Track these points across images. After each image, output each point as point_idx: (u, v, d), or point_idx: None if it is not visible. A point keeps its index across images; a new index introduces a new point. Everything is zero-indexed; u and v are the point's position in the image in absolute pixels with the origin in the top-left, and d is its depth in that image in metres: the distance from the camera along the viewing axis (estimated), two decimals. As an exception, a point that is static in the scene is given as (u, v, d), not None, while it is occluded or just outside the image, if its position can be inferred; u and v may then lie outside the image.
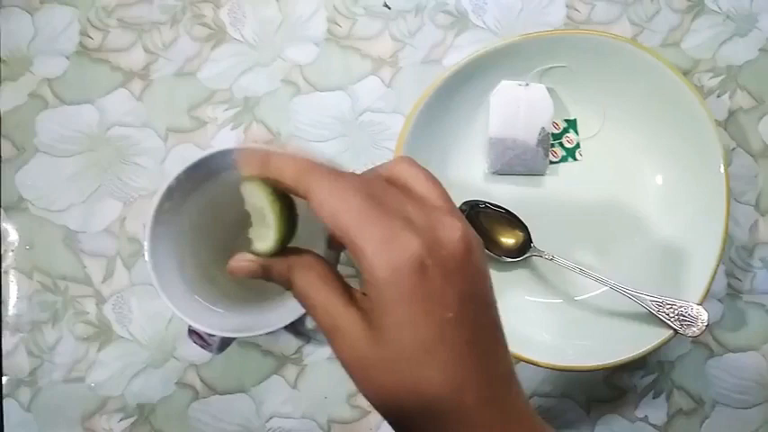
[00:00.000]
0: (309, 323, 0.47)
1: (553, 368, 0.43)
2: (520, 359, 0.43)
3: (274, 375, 0.47)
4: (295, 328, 0.47)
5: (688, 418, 0.48)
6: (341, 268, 0.30)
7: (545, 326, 0.45)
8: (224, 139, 0.48)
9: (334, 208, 0.23)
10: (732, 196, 0.47)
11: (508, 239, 0.46)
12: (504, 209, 0.46)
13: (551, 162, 0.48)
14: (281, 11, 0.49)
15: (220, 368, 0.47)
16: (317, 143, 0.49)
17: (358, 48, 0.49)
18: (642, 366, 0.48)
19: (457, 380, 0.24)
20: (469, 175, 0.48)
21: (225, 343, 0.41)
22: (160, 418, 0.47)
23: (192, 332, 0.40)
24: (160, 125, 0.48)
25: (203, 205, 0.39)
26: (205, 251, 0.40)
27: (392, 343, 0.23)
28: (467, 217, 0.45)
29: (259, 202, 0.26)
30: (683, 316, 0.42)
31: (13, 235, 0.47)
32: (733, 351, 0.49)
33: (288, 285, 0.27)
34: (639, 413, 0.48)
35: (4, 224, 0.47)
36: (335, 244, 0.31)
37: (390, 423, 0.25)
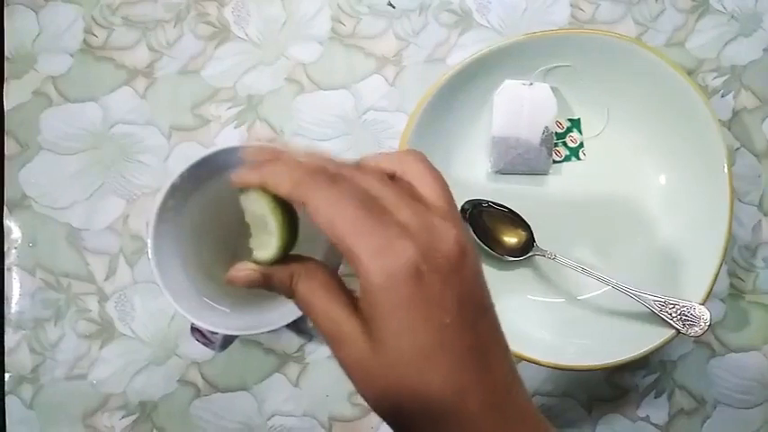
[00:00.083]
0: (311, 322, 0.47)
1: (555, 367, 0.43)
2: (522, 358, 0.43)
3: (276, 373, 0.47)
4: (297, 326, 0.47)
5: (689, 418, 0.48)
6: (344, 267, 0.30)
7: (547, 325, 0.45)
8: (227, 138, 0.48)
9: (330, 216, 0.24)
10: (735, 196, 0.47)
11: (511, 238, 0.46)
12: (506, 208, 0.46)
13: (554, 161, 0.48)
14: (286, 9, 0.49)
15: (222, 366, 0.47)
16: (320, 141, 0.49)
17: (362, 46, 0.49)
18: (644, 366, 0.48)
19: (458, 385, 0.24)
20: (473, 174, 0.48)
21: (227, 341, 0.41)
22: (162, 415, 0.47)
23: (195, 330, 0.40)
24: (164, 123, 0.48)
25: (206, 203, 0.40)
26: (208, 249, 0.40)
27: (392, 350, 0.24)
28: (470, 216, 0.46)
29: (260, 209, 0.26)
30: (686, 316, 0.42)
31: (16, 232, 0.47)
32: (735, 351, 0.49)
33: (289, 294, 0.27)
34: (641, 413, 0.48)
35: (7, 221, 0.47)
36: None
37: (391, 426, 0.25)
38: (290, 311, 0.37)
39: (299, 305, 0.27)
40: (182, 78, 0.49)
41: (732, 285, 0.49)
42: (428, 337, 0.23)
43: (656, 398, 0.48)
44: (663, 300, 0.43)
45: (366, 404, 0.25)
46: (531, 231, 0.46)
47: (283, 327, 0.37)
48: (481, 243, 0.46)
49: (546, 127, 0.47)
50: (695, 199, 0.45)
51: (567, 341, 0.45)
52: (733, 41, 0.50)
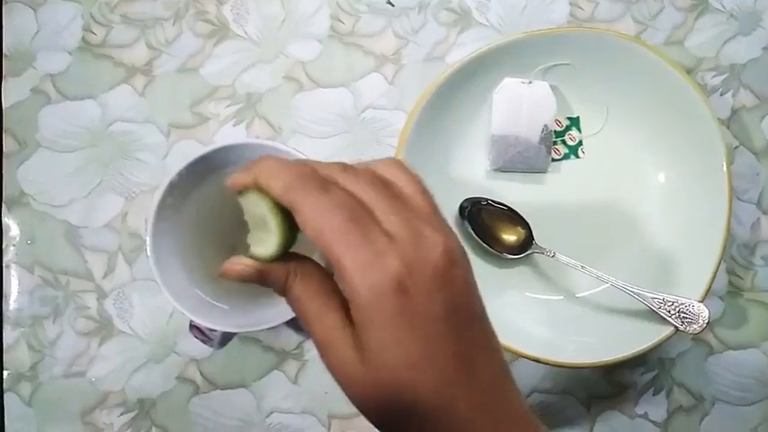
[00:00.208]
0: (301, 322, 0.47)
1: (554, 364, 0.43)
2: (520, 355, 0.43)
3: (275, 371, 0.47)
4: (296, 323, 0.47)
5: (688, 415, 0.48)
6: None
7: (546, 322, 0.45)
8: (226, 135, 0.48)
9: (318, 226, 0.24)
10: (734, 194, 0.47)
11: (510, 236, 0.46)
12: (506, 206, 0.46)
13: (554, 159, 0.48)
14: (285, 7, 0.49)
15: (221, 363, 0.47)
16: (319, 140, 0.49)
17: (361, 45, 0.49)
18: (642, 363, 0.48)
19: (446, 393, 0.24)
20: (472, 172, 0.48)
21: (226, 338, 0.41)
22: (161, 412, 0.47)
23: (194, 327, 0.40)
24: (162, 121, 0.48)
25: (205, 201, 0.40)
26: (206, 246, 0.40)
27: (378, 362, 0.24)
28: (469, 214, 0.46)
29: (259, 210, 0.26)
30: (684, 313, 0.42)
31: (14, 230, 0.47)
32: (733, 348, 0.49)
33: (283, 292, 0.27)
34: (639, 410, 0.48)
35: (5, 219, 0.47)
36: None
37: (379, 429, 0.26)
38: (288, 309, 0.36)
39: (292, 305, 0.27)
40: (180, 76, 0.49)
41: (731, 283, 0.49)
42: (414, 348, 0.24)
43: (654, 395, 0.48)
44: (661, 297, 0.43)
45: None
46: (530, 229, 0.46)
47: (282, 324, 0.37)
48: (480, 241, 0.46)
49: (545, 125, 0.47)
50: (694, 197, 0.46)
51: (565, 338, 0.45)
52: (732, 40, 0.50)
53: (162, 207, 0.37)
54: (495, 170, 0.48)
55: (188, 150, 0.48)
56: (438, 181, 0.46)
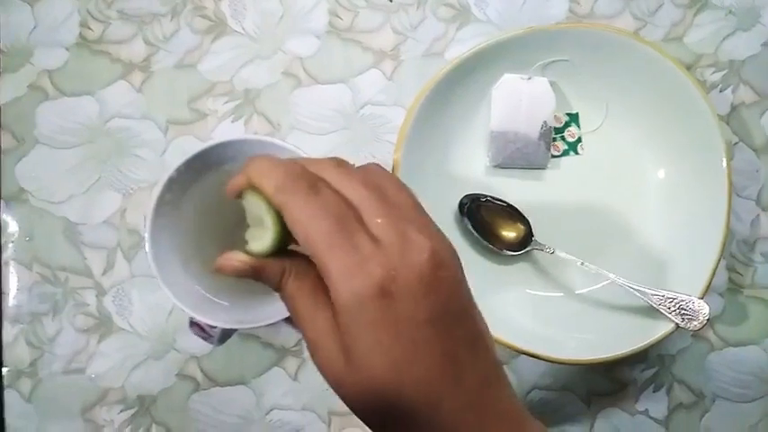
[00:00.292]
0: (293, 320, 0.47)
1: (554, 361, 0.43)
2: (520, 352, 0.43)
3: (275, 367, 0.47)
4: (295, 320, 0.47)
5: (688, 412, 0.48)
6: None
7: (546, 319, 0.45)
8: (224, 132, 0.48)
9: (306, 229, 0.24)
10: (734, 191, 0.47)
11: (509, 233, 0.46)
12: (505, 202, 0.46)
13: (553, 156, 0.48)
14: (282, 3, 0.49)
15: (221, 360, 0.47)
16: (317, 136, 0.48)
17: (359, 40, 0.49)
18: (643, 360, 0.48)
19: (431, 394, 0.24)
20: (471, 169, 0.48)
21: (226, 335, 0.41)
22: (160, 409, 0.47)
23: (193, 324, 0.40)
24: (160, 117, 0.48)
25: (204, 197, 0.39)
26: (205, 242, 0.40)
27: (363, 365, 0.24)
28: (468, 210, 0.46)
29: (257, 209, 0.26)
30: (684, 310, 0.42)
31: (13, 226, 0.47)
32: (733, 345, 0.49)
33: (277, 289, 0.27)
34: (640, 406, 0.48)
35: (4, 215, 0.47)
36: None
37: (368, 426, 0.26)
38: (288, 305, 0.37)
39: (285, 302, 0.27)
40: (178, 72, 0.48)
41: (730, 280, 0.49)
42: (398, 351, 0.24)
43: (654, 392, 0.48)
44: (661, 294, 0.43)
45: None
46: (530, 225, 0.46)
47: (282, 321, 0.37)
48: (480, 237, 0.46)
49: (544, 121, 0.47)
50: (694, 194, 0.45)
51: (565, 335, 0.45)
52: (731, 36, 0.50)
53: (160, 203, 0.37)
54: (495, 166, 0.48)
55: (186, 147, 0.48)
56: (437, 177, 0.46)
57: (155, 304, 0.47)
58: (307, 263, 0.27)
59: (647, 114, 0.47)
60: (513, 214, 0.46)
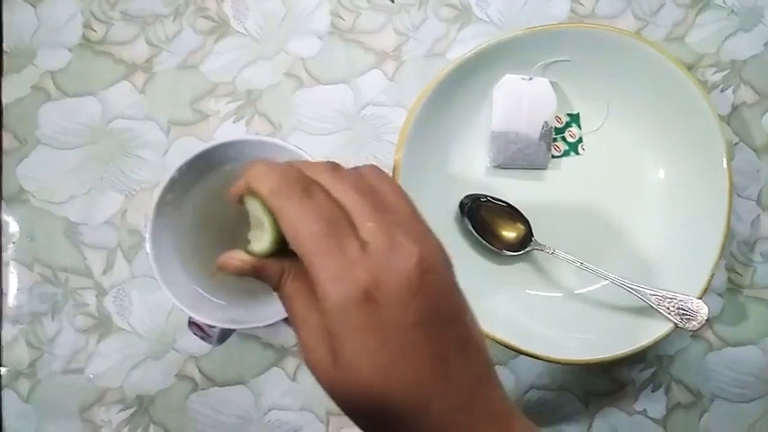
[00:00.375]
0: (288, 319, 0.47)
1: (552, 361, 0.43)
2: (519, 352, 0.43)
3: (274, 367, 0.47)
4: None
5: (687, 412, 0.48)
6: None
7: (545, 319, 0.45)
8: (226, 132, 0.48)
9: (297, 232, 0.24)
10: (734, 191, 0.47)
11: (509, 233, 0.46)
12: (505, 202, 0.46)
13: (554, 156, 0.48)
14: (285, 4, 0.49)
15: (220, 360, 0.47)
16: (319, 137, 0.48)
17: (361, 41, 0.49)
18: (641, 360, 0.48)
19: (420, 396, 0.24)
20: (472, 169, 0.48)
21: (225, 335, 0.41)
22: (159, 409, 0.47)
23: (193, 323, 0.40)
24: (162, 118, 0.48)
25: (205, 198, 0.40)
26: (206, 243, 0.40)
27: (351, 369, 0.24)
28: (468, 210, 0.46)
29: (256, 210, 0.27)
30: (683, 310, 0.42)
31: (14, 226, 0.47)
32: (732, 345, 0.49)
33: (276, 288, 0.27)
34: (638, 406, 0.48)
35: (5, 216, 0.47)
36: None
37: (357, 426, 0.26)
38: (288, 305, 0.37)
39: (283, 302, 0.27)
40: (181, 73, 0.49)
41: (730, 280, 0.49)
42: (385, 355, 0.24)
43: (653, 392, 0.48)
44: (660, 294, 0.43)
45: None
46: (530, 226, 0.46)
47: (281, 321, 0.37)
48: (480, 237, 0.46)
49: (545, 122, 0.47)
50: (694, 194, 0.45)
51: (564, 335, 0.45)
52: (733, 36, 0.50)
53: (162, 204, 0.37)
54: (496, 167, 0.48)
55: (188, 147, 0.48)
56: (438, 178, 0.46)
57: (154, 304, 0.47)
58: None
59: (647, 114, 0.47)
60: (513, 214, 0.46)
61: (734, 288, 0.49)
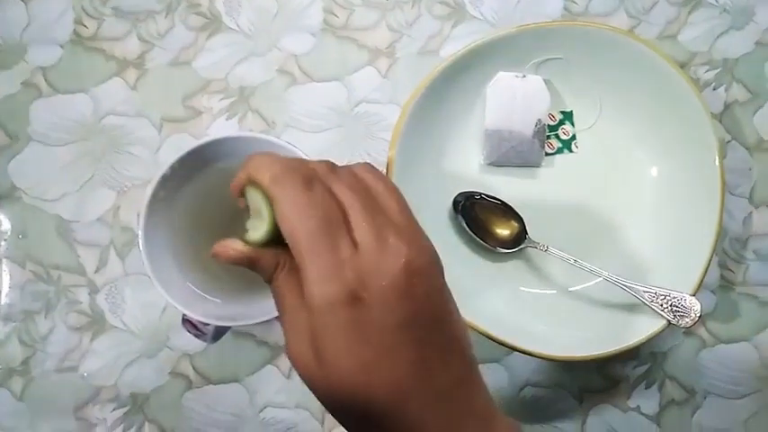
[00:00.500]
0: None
1: (546, 358, 0.43)
2: (514, 349, 0.43)
3: (268, 365, 0.47)
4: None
5: (680, 408, 0.49)
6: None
7: (539, 316, 0.46)
8: (219, 129, 0.48)
9: (292, 225, 0.24)
10: (726, 188, 0.47)
11: (503, 230, 0.46)
12: (499, 200, 0.46)
13: (547, 154, 0.48)
14: (277, 0, 0.49)
15: (214, 358, 0.47)
16: (312, 134, 0.48)
17: (354, 38, 0.49)
18: (635, 357, 0.49)
19: (400, 396, 0.25)
20: (465, 167, 0.48)
21: (219, 332, 0.41)
22: (153, 407, 0.47)
23: (186, 321, 0.40)
24: (155, 115, 0.48)
25: (198, 194, 0.39)
26: (199, 240, 0.40)
27: (333, 368, 0.24)
28: (462, 208, 0.46)
29: (256, 199, 0.27)
30: (676, 307, 0.43)
31: (5, 224, 0.47)
32: (725, 342, 0.49)
33: (269, 280, 0.27)
34: (632, 403, 0.49)
35: (-4, 213, 0.47)
36: None
37: (339, 422, 0.27)
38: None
39: (273, 295, 0.27)
40: (173, 70, 0.48)
41: (723, 277, 0.49)
42: (367, 355, 0.24)
43: (646, 388, 0.49)
44: (654, 291, 0.43)
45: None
46: (524, 223, 0.46)
47: (275, 318, 0.37)
48: (474, 235, 0.46)
49: (539, 119, 0.47)
50: (687, 191, 0.46)
51: (558, 332, 0.45)
52: (725, 34, 0.50)
53: (154, 200, 0.37)
54: (489, 164, 0.48)
55: (181, 144, 0.47)
56: (432, 175, 0.47)
57: (148, 302, 0.47)
58: None
59: (640, 112, 0.47)
60: (507, 212, 0.46)
61: (726, 285, 0.49)
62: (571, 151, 0.48)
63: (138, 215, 0.37)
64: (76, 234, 0.47)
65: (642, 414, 0.49)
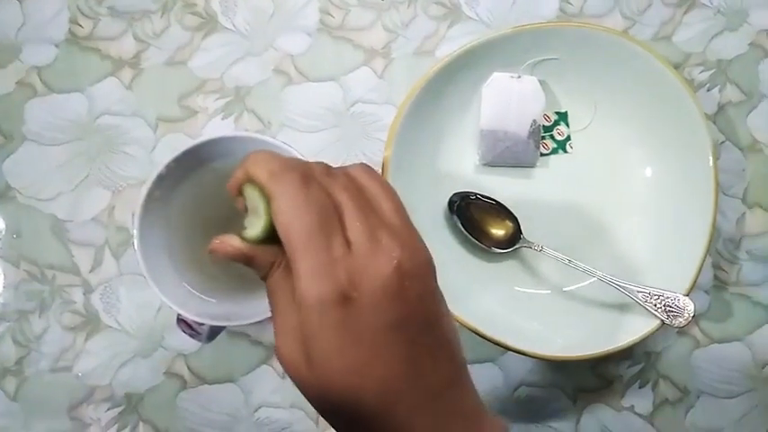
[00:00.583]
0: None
1: (541, 358, 0.43)
2: (508, 349, 0.43)
3: (263, 365, 0.47)
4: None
5: (673, 408, 0.49)
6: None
7: (533, 316, 0.46)
8: (214, 129, 0.48)
9: (288, 222, 0.24)
10: (720, 189, 0.47)
11: (498, 230, 0.46)
12: (494, 200, 0.46)
13: (542, 154, 0.48)
14: (274, 0, 0.49)
15: (209, 358, 0.47)
16: (308, 134, 0.48)
17: (350, 38, 0.49)
18: (629, 356, 0.49)
19: (388, 397, 0.25)
20: (461, 167, 0.48)
21: (214, 332, 0.41)
22: (148, 407, 0.47)
23: (181, 321, 0.40)
24: (150, 114, 0.48)
25: (193, 194, 0.39)
26: (194, 240, 0.40)
27: (323, 368, 0.24)
28: (457, 208, 0.46)
29: (253, 197, 0.27)
30: (670, 307, 0.43)
31: (0, 224, 0.47)
32: (718, 342, 0.49)
33: (264, 278, 0.27)
34: (626, 402, 0.49)
35: (-9, 212, 0.47)
36: None
37: (328, 423, 0.27)
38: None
39: (267, 294, 0.27)
40: (168, 69, 0.48)
41: (716, 277, 0.49)
42: (357, 356, 0.24)
43: (640, 388, 0.49)
44: (648, 291, 0.43)
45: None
46: (519, 223, 0.46)
47: (270, 318, 0.37)
48: (469, 235, 0.46)
49: (534, 120, 0.47)
50: (681, 192, 0.46)
51: (553, 332, 0.45)
52: (719, 36, 0.51)
53: (149, 200, 0.37)
54: (484, 165, 0.48)
55: (176, 144, 0.47)
56: (427, 175, 0.47)
57: (142, 302, 0.47)
58: None
59: (635, 113, 0.47)
60: (501, 212, 0.46)
61: (720, 285, 0.49)
62: (566, 152, 0.48)
63: (134, 215, 0.37)
64: (71, 234, 0.47)
65: (636, 414, 0.49)
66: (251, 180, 0.26)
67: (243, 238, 0.27)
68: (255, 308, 0.38)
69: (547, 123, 0.48)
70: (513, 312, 0.45)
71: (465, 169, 0.48)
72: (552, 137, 0.48)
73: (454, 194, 0.46)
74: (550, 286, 0.47)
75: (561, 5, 0.50)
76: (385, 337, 0.24)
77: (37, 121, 0.48)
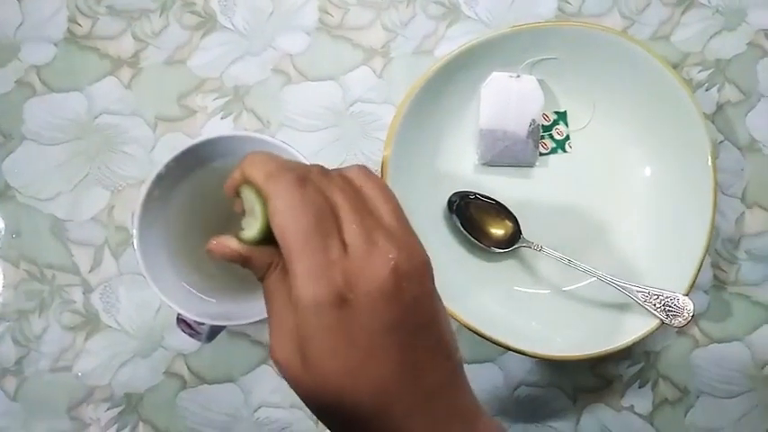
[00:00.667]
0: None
1: (540, 358, 0.43)
2: (508, 349, 0.43)
3: (263, 365, 0.47)
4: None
5: (673, 408, 0.49)
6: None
7: (533, 316, 0.46)
8: (214, 129, 0.48)
9: (284, 223, 0.24)
10: (719, 189, 0.47)
11: (497, 230, 0.46)
12: (493, 200, 0.46)
13: (541, 154, 0.48)
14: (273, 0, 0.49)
15: (209, 357, 0.47)
16: (307, 133, 0.48)
17: (349, 38, 0.49)
18: (628, 356, 0.49)
19: (384, 399, 0.25)
20: (460, 167, 0.48)
21: (214, 332, 0.41)
22: (148, 407, 0.47)
23: (181, 321, 0.40)
24: (149, 114, 0.48)
25: (192, 194, 0.39)
26: (194, 239, 0.40)
27: (318, 370, 0.24)
28: (457, 208, 0.46)
29: (250, 198, 0.27)
30: (669, 306, 0.43)
31: (-1, 223, 0.47)
32: (718, 341, 0.49)
33: (261, 279, 0.27)
34: (625, 402, 0.49)
35: (-10, 212, 0.47)
36: None
37: (323, 424, 0.27)
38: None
39: (264, 295, 0.27)
40: (167, 68, 0.48)
41: (715, 277, 0.49)
42: (352, 358, 0.24)
43: (640, 388, 0.49)
44: (647, 291, 0.43)
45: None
46: (518, 223, 0.46)
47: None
48: (468, 235, 0.46)
49: (533, 119, 0.47)
50: (679, 191, 0.46)
51: (552, 332, 0.45)
52: (717, 35, 0.51)
53: (149, 200, 0.37)
54: (484, 164, 0.48)
55: (175, 143, 0.48)
56: (426, 175, 0.47)
57: (142, 302, 0.47)
58: None
59: (634, 113, 0.47)
60: (501, 212, 0.46)
61: (719, 285, 0.49)
62: (565, 151, 0.49)
63: (133, 214, 0.37)
64: (71, 233, 0.47)
65: (636, 413, 0.49)
66: (248, 181, 0.26)
67: (240, 239, 0.27)
68: (255, 307, 0.37)
69: (546, 123, 0.48)
70: (512, 312, 0.45)
71: (464, 169, 0.48)
72: (551, 136, 0.48)
73: (453, 194, 0.46)
74: (550, 286, 0.47)
75: (560, 5, 0.50)
76: (381, 339, 0.24)
77: (36, 120, 0.48)
